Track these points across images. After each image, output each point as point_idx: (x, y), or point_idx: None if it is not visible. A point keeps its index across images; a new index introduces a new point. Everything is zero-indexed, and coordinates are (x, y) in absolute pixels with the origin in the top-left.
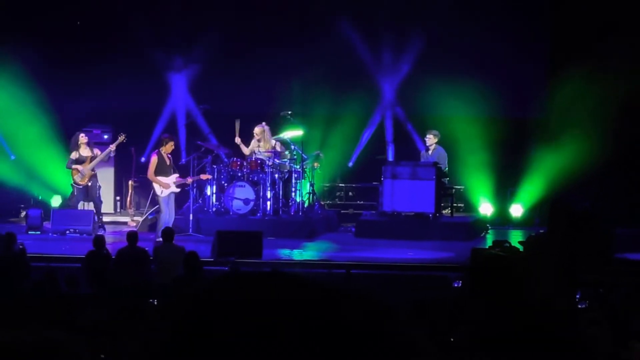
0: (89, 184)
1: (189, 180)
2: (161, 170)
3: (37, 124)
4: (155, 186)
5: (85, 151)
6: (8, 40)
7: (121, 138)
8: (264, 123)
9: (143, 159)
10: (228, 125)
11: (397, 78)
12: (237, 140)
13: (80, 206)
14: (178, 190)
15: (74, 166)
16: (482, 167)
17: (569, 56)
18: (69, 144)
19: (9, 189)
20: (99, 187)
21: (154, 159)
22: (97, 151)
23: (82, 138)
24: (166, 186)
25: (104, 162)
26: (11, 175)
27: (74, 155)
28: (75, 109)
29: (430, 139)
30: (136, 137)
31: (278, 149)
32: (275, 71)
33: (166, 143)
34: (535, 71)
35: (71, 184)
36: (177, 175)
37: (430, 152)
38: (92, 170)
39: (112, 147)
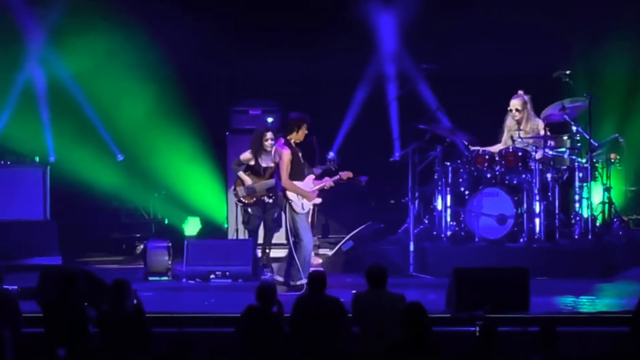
0: (268, 200)
1: (328, 184)
2: (295, 171)
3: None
4: (292, 198)
5: (266, 158)
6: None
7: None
8: (522, 92)
9: (332, 155)
10: (469, 96)
11: None
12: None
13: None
14: (320, 201)
15: (240, 173)
16: None
17: None
18: (251, 142)
19: (116, 207)
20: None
21: (286, 155)
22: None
23: (268, 140)
24: (310, 197)
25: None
26: (119, 186)
27: (246, 156)
28: (228, 77)
29: None
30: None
31: (542, 132)
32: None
33: (299, 128)
34: None
35: (236, 202)
36: (312, 176)
37: None
38: (268, 190)
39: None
